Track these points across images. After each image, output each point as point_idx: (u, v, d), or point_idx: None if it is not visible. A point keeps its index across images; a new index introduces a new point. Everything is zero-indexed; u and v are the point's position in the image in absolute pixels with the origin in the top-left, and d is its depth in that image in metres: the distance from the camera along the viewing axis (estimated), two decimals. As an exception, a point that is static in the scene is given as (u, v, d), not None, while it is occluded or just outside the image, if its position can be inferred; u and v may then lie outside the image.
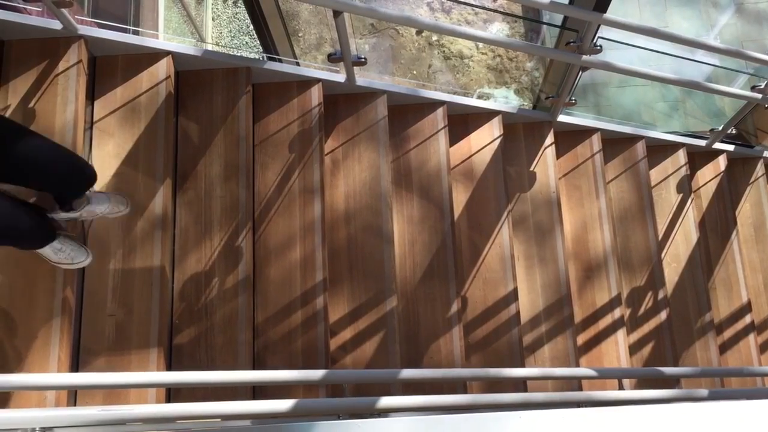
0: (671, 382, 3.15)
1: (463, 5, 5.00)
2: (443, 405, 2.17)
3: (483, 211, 3.13)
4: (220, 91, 2.76)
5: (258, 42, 3.13)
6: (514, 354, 2.95)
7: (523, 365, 2.95)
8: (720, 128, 3.69)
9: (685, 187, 3.64)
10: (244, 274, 2.57)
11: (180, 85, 2.76)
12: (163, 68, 2.65)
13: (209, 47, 4.45)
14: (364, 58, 2.81)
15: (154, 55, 2.65)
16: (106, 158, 2.53)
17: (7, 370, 2.17)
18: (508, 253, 3.06)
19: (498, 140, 3.23)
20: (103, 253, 2.43)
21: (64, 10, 2.38)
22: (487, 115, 3.27)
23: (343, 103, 3.00)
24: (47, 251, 2.20)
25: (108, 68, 2.65)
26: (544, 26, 5.14)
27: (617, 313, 3.21)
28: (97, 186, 2.49)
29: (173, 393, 2.42)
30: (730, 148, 3.88)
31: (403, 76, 4.93)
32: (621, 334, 3.20)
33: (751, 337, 3.59)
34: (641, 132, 3.63)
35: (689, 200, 3.62)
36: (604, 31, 2.73)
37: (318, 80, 2.89)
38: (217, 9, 4.96)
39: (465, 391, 2.77)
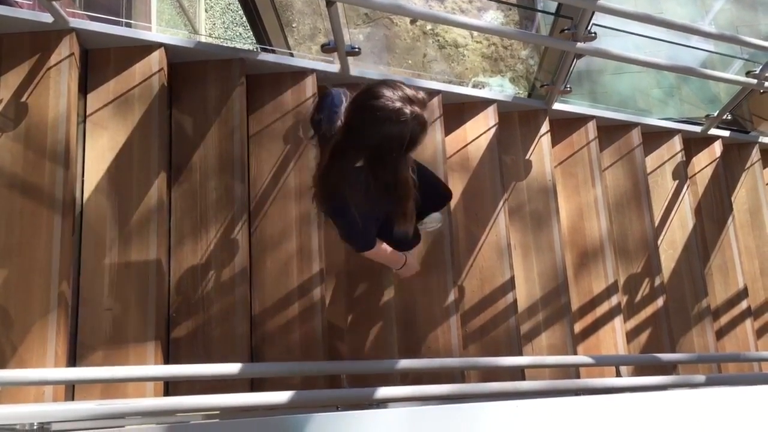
0: (668, 368, 3.16)
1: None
2: (441, 395, 2.17)
3: (479, 200, 3.12)
4: (214, 82, 2.74)
5: (252, 33, 3.11)
6: (511, 343, 2.95)
7: (521, 354, 2.95)
8: (715, 114, 3.69)
9: (681, 174, 3.64)
10: (241, 266, 2.56)
11: (173, 77, 2.74)
12: (156, 60, 2.63)
13: (203, 39, 4.43)
14: (358, 48, 2.79)
15: (146, 48, 2.63)
16: (100, 151, 2.52)
17: (3, 365, 2.16)
18: (504, 242, 3.05)
19: (493, 129, 3.22)
20: (99, 248, 2.42)
21: (55, 3, 2.36)
22: (482, 103, 3.26)
23: (338, 93, 2.97)
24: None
25: (100, 61, 2.63)
26: (539, 14, 5.12)
27: (614, 300, 3.22)
28: (90, 179, 2.49)
29: (171, 386, 2.42)
30: (726, 133, 3.88)
31: (398, 66, 4.91)
32: (618, 321, 3.21)
33: (748, 322, 3.60)
34: (637, 119, 3.62)
35: (685, 186, 3.62)
36: (599, 18, 2.72)
37: (312, 71, 2.87)
38: (210, 0, 4.93)
39: (463, 381, 2.78)
